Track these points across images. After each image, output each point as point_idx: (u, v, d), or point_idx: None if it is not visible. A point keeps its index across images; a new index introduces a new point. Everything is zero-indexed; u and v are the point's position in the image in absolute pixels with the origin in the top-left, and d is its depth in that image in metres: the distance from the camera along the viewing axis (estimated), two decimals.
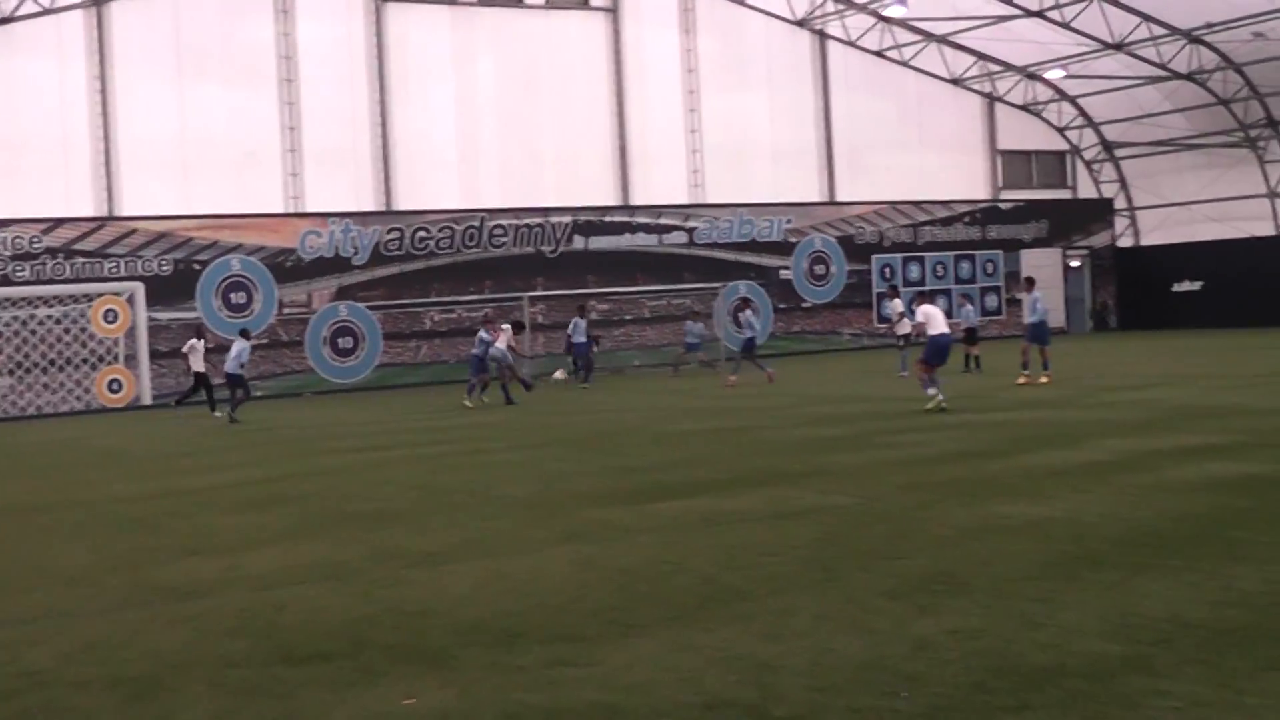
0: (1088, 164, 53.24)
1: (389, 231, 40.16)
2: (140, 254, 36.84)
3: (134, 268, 36.78)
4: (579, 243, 43.05)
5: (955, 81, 50.32)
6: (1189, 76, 45.71)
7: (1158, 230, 52.26)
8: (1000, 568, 9.73)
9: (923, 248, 49.49)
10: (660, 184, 45.31)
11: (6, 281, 35.41)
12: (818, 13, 47.28)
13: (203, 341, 32.17)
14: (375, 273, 39.99)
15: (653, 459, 17.95)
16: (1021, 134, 52.27)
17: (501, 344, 30.53)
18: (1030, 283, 30.17)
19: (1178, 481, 13.33)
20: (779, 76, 47.73)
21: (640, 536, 11.87)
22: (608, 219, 43.80)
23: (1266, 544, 10.12)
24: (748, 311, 34.17)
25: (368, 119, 40.92)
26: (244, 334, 31.15)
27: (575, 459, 18.49)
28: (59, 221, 36.19)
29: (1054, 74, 48.01)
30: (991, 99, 51.49)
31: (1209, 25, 42.30)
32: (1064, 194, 53.55)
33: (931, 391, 22.29)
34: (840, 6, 46.85)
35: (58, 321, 36.00)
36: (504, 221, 41.79)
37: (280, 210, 39.39)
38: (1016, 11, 43.71)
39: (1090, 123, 51.77)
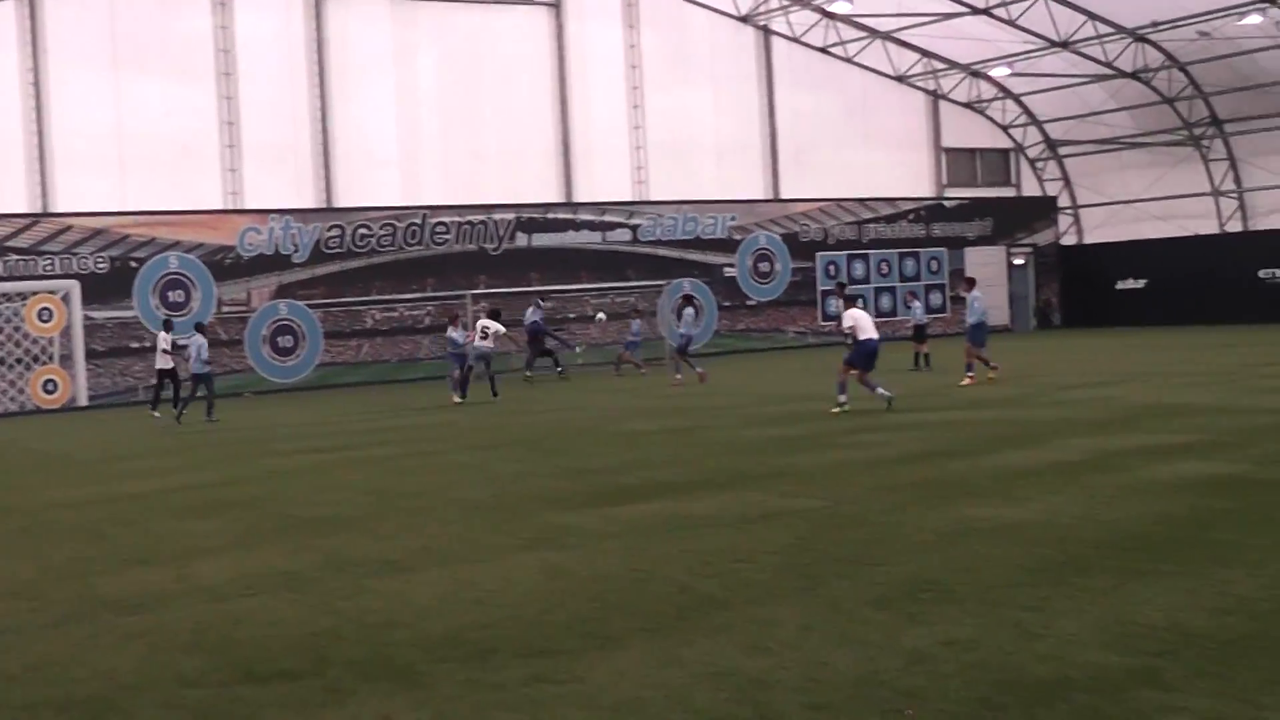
0: (1032, 162, 53.31)
1: (330, 229, 39.57)
2: (75, 251, 36.09)
3: (69, 265, 36.01)
4: (522, 240, 42.59)
5: (900, 79, 50.21)
6: (1134, 75, 45.79)
7: (1102, 228, 52.39)
8: (984, 574, 9.42)
9: (867, 245, 49.34)
10: (604, 181, 44.94)
11: None
12: (762, 8, 47.02)
13: (171, 336, 31.07)
14: (316, 270, 39.39)
15: (608, 460, 17.58)
16: (966, 132, 52.26)
17: (488, 341, 30.33)
18: (971, 282, 30.03)
19: (1150, 482, 13.09)
20: (723, 73, 47.48)
21: (606, 542, 11.49)
22: (551, 216, 43.38)
23: (1254, 547, 9.87)
24: (689, 309, 33.81)
25: (308, 114, 40.32)
26: (200, 328, 30.42)
27: (529, 460, 18.09)
28: None
29: (999, 72, 47.97)
30: (936, 96, 51.43)
31: (1155, 24, 42.35)
32: (1008, 192, 53.58)
33: (842, 399, 22.09)
34: (785, 2, 46.61)
35: None
36: (446, 219, 41.29)
37: (219, 207, 38.72)
38: (962, 9, 43.61)
39: (1034, 120, 51.83)
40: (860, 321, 22.57)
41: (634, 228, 44.58)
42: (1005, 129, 52.68)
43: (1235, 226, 48.36)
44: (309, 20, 40.38)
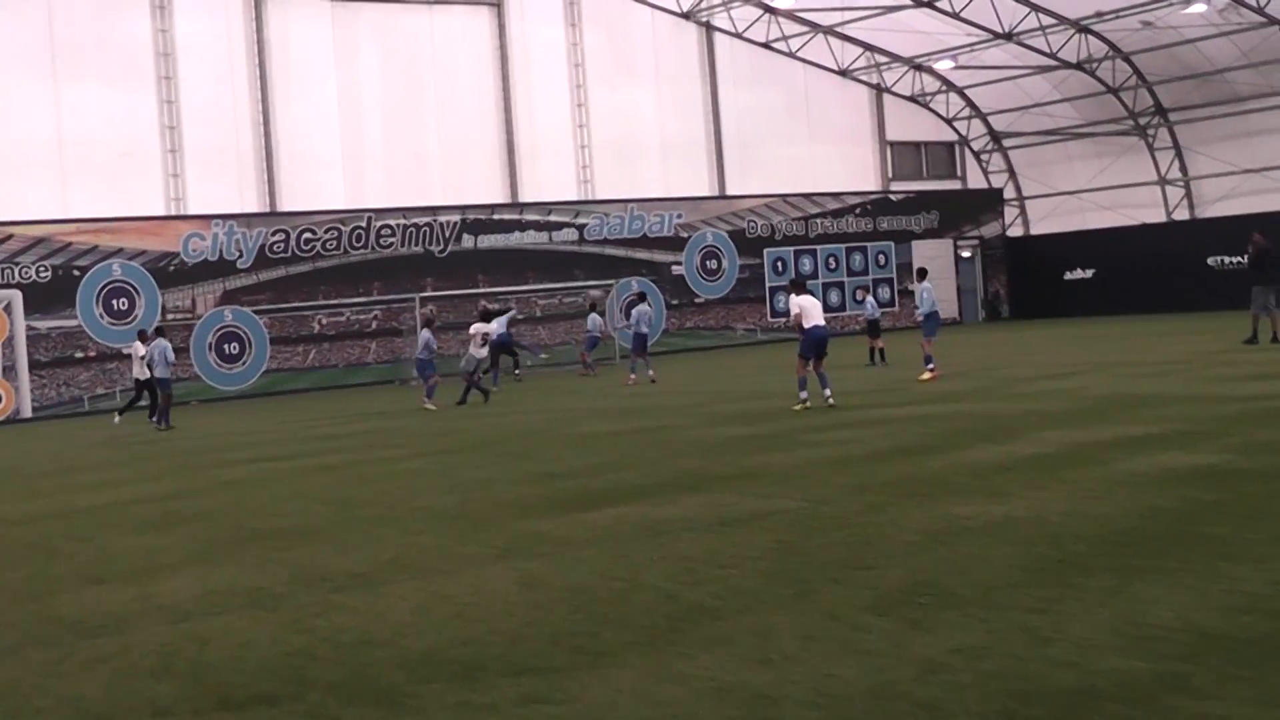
0: (976, 154, 53.32)
1: (274, 233, 39.02)
2: (17, 260, 35.41)
3: (10, 275, 35.34)
4: (468, 242, 42.19)
5: (844, 73, 50.10)
6: (1078, 66, 45.83)
7: (1048, 219, 52.44)
8: (982, 575, 9.09)
9: (814, 240, 49.20)
10: (549, 181, 44.63)
11: None
12: (704, 5, 46.78)
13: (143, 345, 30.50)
14: (261, 276, 38.86)
15: (572, 463, 17.17)
16: (910, 125, 52.25)
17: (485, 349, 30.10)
18: (921, 273, 29.86)
19: (1133, 475, 12.81)
20: (667, 70, 47.25)
21: (582, 550, 11.10)
22: (497, 217, 43.00)
23: (1253, 541, 9.59)
24: (642, 305, 33.49)
25: (249, 118, 39.76)
26: (160, 332, 29.85)
27: (491, 465, 17.67)
28: None
29: (943, 65, 47.90)
30: (880, 90, 51.36)
31: (1098, 14, 42.40)
32: (954, 185, 53.59)
33: (804, 395, 21.77)
34: None
35: None
36: (391, 221, 40.83)
37: (161, 213, 38.12)
38: (905, 2, 43.50)
39: (978, 113, 51.83)
40: (806, 307, 22.01)
41: (580, 227, 44.25)
42: (950, 122, 52.66)
43: (1182, 215, 48.46)
44: (249, 22, 39.80)
